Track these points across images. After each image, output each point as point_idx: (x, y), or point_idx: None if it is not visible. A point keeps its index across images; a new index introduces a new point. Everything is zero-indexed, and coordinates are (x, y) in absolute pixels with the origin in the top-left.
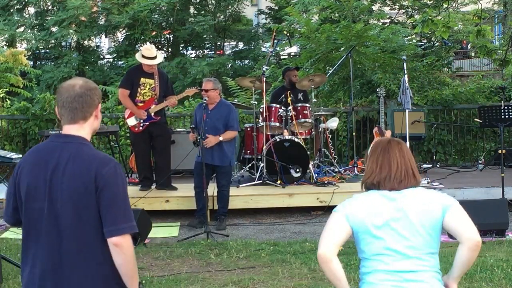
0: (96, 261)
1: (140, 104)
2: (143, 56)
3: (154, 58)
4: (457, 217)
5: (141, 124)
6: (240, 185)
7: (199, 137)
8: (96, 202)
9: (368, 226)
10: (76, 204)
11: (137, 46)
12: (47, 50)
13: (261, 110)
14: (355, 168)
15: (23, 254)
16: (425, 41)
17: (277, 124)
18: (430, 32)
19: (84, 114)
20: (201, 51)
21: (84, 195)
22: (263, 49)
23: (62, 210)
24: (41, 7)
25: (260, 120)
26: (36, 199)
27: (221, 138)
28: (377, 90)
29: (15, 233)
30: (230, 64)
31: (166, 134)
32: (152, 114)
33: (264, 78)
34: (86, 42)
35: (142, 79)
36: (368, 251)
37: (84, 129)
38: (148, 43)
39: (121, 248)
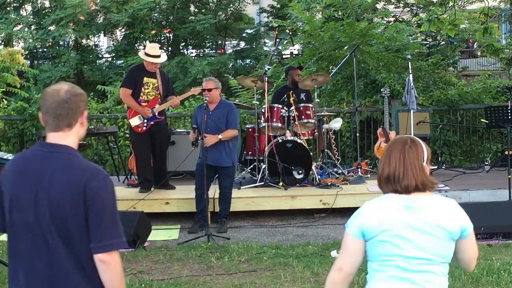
0: (84, 276)
1: (144, 104)
2: (147, 54)
3: (159, 56)
4: (469, 245)
5: (145, 124)
6: (242, 187)
7: (199, 138)
8: (85, 216)
9: (379, 233)
10: (64, 217)
11: (136, 45)
12: (45, 49)
13: (263, 110)
14: (359, 170)
15: (10, 267)
16: (430, 39)
17: (279, 124)
18: (435, 31)
19: (69, 121)
20: (202, 50)
21: (72, 208)
22: (265, 48)
23: (49, 223)
24: (39, 5)
25: (262, 121)
26: (21, 210)
27: (220, 137)
28: (381, 90)
29: None
30: (231, 64)
31: (166, 135)
32: (156, 113)
33: (266, 78)
34: (84, 41)
35: (145, 79)
36: (377, 256)
37: (70, 137)
38: (148, 42)
39: (108, 265)
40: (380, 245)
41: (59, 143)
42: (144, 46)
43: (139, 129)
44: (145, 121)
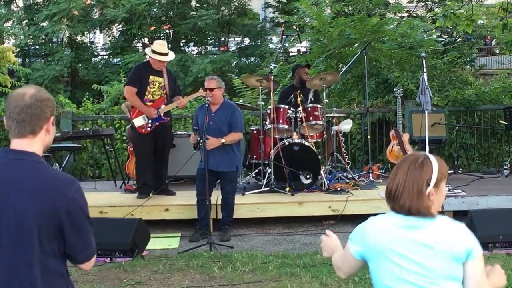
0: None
1: (149, 104)
2: (154, 52)
3: (166, 54)
4: (476, 270)
5: (149, 125)
6: (246, 193)
7: (201, 141)
8: (59, 229)
9: (382, 255)
10: (31, 231)
11: (134, 42)
12: (37, 47)
13: (268, 111)
14: (370, 174)
15: None
16: (445, 36)
17: (286, 126)
18: (451, 27)
19: (33, 128)
20: (204, 48)
21: (43, 222)
22: (270, 45)
23: (14, 238)
24: (31, 0)
25: (267, 122)
26: None
27: (223, 141)
28: (394, 89)
29: None
30: (235, 62)
31: (171, 138)
32: (162, 114)
33: (272, 77)
34: (79, 38)
35: (151, 77)
36: (382, 281)
37: (34, 145)
38: (146, 38)
39: (88, 268)
40: (382, 267)
41: (24, 149)
42: (143, 43)
43: (143, 130)
44: (150, 121)
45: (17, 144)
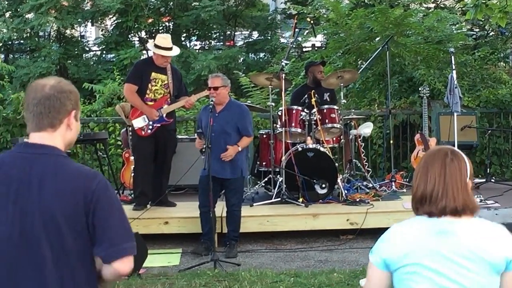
0: None
1: (150, 103)
2: (157, 46)
3: (170, 49)
4: None
5: (150, 126)
6: (254, 204)
7: (205, 146)
8: (87, 226)
9: (406, 264)
10: (60, 230)
11: (130, 36)
12: (22, 41)
13: (279, 113)
14: (393, 183)
15: None
16: (477, 29)
17: (299, 130)
18: (483, 19)
19: (51, 121)
20: (207, 42)
21: (71, 219)
22: (282, 39)
23: (40, 238)
24: None
25: (278, 126)
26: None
27: (239, 149)
28: (420, 89)
29: None
30: (242, 58)
31: (173, 142)
32: (164, 115)
33: (283, 75)
34: (68, 32)
35: (153, 74)
36: None
37: (54, 139)
38: (143, 32)
39: (121, 274)
40: (407, 278)
41: (46, 143)
42: (139, 38)
43: (143, 132)
44: (151, 123)
45: (35, 138)
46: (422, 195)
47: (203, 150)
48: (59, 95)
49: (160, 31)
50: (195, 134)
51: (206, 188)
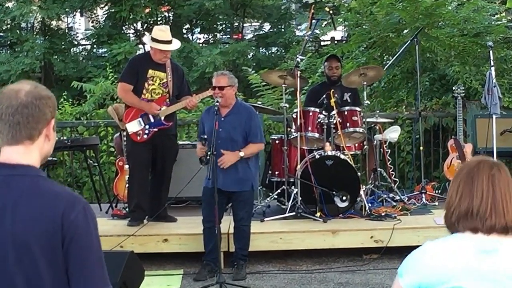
0: None
1: None
2: (155, 40)
3: (170, 42)
4: None
5: (147, 131)
6: (266, 219)
7: (209, 153)
8: (63, 258)
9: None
10: (36, 263)
11: (124, 28)
12: (1, 34)
13: (294, 115)
14: (423, 196)
15: None
16: None
17: (316, 135)
18: None
19: (30, 132)
20: (212, 35)
21: (46, 249)
22: (297, 32)
23: (13, 272)
24: None
25: (293, 130)
26: None
27: (242, 154)
28: (453, 88)
29: None
30: (252, 53)
31: (173, 149)
32: (163, 118)
33: (299, 72)
34: (54, 23)
35: (151, 71)
36: None
37: (31, 154)
38: (139, 24)
39: None
40: None
41: (20, 162)
42: (135, 30)
43: (138, 137)
44: (147, 126)
45: (9, 153)
46: (467, 210)
47: (204, 159)
48: (37, 102)
49: (159, 23)
50: (202, 140)
51: (210, 201)
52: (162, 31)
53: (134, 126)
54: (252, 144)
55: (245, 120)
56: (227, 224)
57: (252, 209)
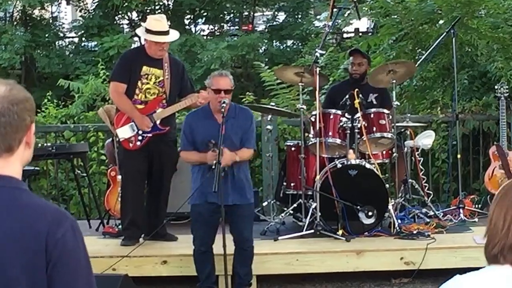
0: None
1: (140, 106)
2: (149, 31)
3: (167, 33)
4: None
5: (140, 137)
6: (280, 237)
7: (214, 162)
8: (47, 284)
9: None
10: (12, 283)
11: (116, 18)
12: None
13: (312, 118)
14: (461, 211)
15: None
16: None
17: (338, 141)
18: None
19: (9, 143)
20: (219, 26)
21: (26, 273)
22: (316, 22)
23: None
24: None
25: (311, 135)
26: None
27: (237, 158)
28: (496, 87)
29: None
30: (264, 47)
31: (172, 157)
32: (158, 122)
33: (318, 69)
34: (36, 12)
35: (145, 68)
36: None
37: (11, 165)
38: (133, 13)
39: None
40: None
41: None
42: (130, 20)
43: (130, 145)
44: (140, 132)
45: None
46: None
47: (214, 167)
48: (15, 107)
49: (157, 12)
50: (210, 145)
51: (206, 220)
52: (157, 21)
53: (125, 132)
54: (245, 148)
55: (244, 123)
56: (229, 242)
57: (252, 224)
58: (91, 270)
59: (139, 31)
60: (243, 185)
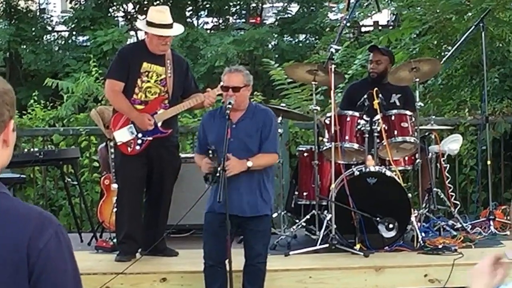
0: None
1: (139, 107)
2: (150, 24)
3: (170, 26)
4: None
5: (139, 140)
6: (291, 252)
7: (219, 169)
8: None
9: None
10: None
11: (110, 10)
12: None
13: (327, 121)
14: (491, 223)
15: None
16: None
17: (355, 145)
18: None
19: None
20: (224, 19)
21: (8, 284)
22: (330, 15)
23: None
24: None
25: (325, 139)
26: None
27: (250, 164)
28: None
29: None
30: (273, 42)
31: (174, 165)
32: (159, 124)
33: (333, 66)
34: (22, 4)
35: (145, 65)
36: None
37: None
38: (129, 5)
39: None
40: None
41: None
42: (125, 13)
43: (129, 149)
44: (140, 135)
45: None
46: None
47: (210, 177)
48: None
49: (155, 3)
50: (209, 152)
51: (217, 231)
52: (160, 12)
53: (123, 135)
54: (264, 153)
55: (262, 125)
56: (238, 257)
57: (269, 240)
58: (80, 283)
59: (140, 24)
60: (255, 195)
